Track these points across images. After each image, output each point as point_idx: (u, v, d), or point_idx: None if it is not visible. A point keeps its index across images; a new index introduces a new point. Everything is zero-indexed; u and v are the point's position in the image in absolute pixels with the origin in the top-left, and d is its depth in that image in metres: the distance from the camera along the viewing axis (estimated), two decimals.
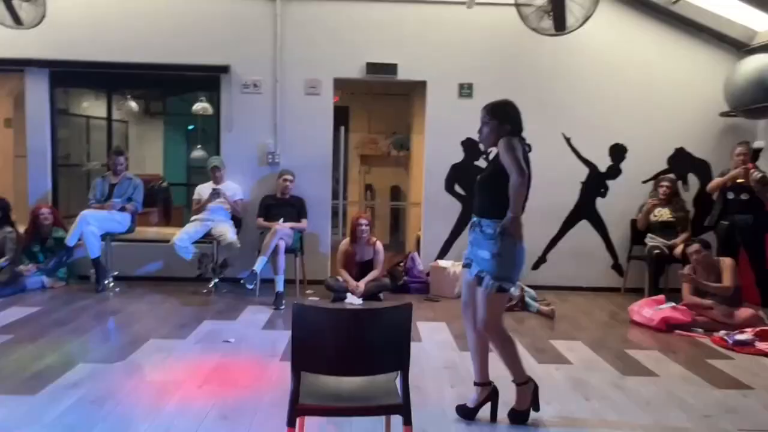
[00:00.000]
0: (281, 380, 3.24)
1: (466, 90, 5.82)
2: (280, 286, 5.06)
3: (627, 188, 5.95)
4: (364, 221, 5.46)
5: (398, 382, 2.07)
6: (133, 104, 9.08)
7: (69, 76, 5.89)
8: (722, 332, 4.37)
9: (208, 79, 5.84)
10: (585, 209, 5.99)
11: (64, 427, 2.68)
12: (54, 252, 5.54)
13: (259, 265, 5.03)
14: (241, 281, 5.07)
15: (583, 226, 6.01)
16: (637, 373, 3.62)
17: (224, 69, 5.72)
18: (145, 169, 8.85)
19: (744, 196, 4.89)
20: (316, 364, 2.00)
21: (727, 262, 4.65)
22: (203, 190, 5.65)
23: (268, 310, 4.87)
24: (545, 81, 5.86)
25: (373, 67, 5.74)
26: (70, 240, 5.19)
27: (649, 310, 4.73)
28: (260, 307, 4.98)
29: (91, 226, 5.21)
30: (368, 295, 5.27)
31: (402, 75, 5.79)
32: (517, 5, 5.33)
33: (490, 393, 2.84)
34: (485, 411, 2.84)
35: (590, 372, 3.61)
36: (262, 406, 2.94)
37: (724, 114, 5.79)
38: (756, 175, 4.64)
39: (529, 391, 2.81)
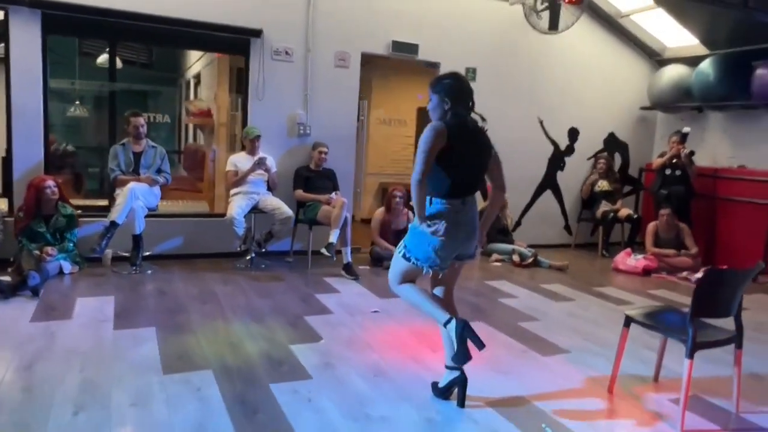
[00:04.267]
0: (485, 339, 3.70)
1: (470, 74, 6.47)
2: (349, 257, 5.22)
3: (576, 164, 7.36)
4: (398, 193, 5.84)
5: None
6: None
7: (66, 22, 4.87)
8: (684, 273, 6.00)
9: (237, 42, 5.41)
10: (549, 181, 7.24)
11: (403, 399, 2.82)
12: (62, 231, 4.75)
13: (333, 237, 5.09)
14: (322, 251, 5.04)
15: (546, 195, 7.27)
16: None
17: (257, 33, 5.40)
18: None
19: (678, 172, 6.58)
20: (709, 310, 2.69)
21: (686, 229, 6.32)
22: (238, 160, 5.35)
23: (350, 281, 5.03)
24: (528, 72, 6.86)
25: (398, 46, 6.01)
26: (120, 217, 4.54)
27: (631, 260, 6.16)
28: (338, 278, 5.09)
29: (140, 201, 4.64)
30: None
31: (422, 55, 6.18)
32: (523, 3, 6.21)
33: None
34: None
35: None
36: (513, 357, 3.42)
37: (644, 108, 7.51)
38: (685, 151, 6.35)
39: (452, 332, 2.58)
